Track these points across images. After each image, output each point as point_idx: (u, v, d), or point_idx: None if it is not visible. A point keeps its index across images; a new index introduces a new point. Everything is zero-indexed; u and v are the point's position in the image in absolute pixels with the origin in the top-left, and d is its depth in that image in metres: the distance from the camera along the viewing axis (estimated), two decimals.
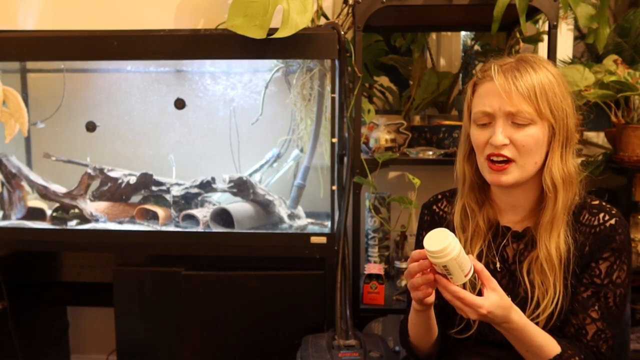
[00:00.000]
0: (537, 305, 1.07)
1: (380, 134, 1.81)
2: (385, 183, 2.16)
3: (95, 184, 1.96)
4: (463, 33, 2.20)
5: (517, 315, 1.01)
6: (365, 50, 2.00)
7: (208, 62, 2.00)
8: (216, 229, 1.83)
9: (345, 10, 1.87)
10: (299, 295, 1.75)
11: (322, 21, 1.88)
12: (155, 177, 1.93)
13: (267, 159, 2.01)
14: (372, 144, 1.81)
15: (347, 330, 1.64)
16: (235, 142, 2.03)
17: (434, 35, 2.18)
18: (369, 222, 1.96)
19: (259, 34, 1.58)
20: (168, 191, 1.92)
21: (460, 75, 2.15)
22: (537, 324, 1.05)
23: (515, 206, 1.15)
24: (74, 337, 2.33)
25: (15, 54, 1.79)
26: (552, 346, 1.04)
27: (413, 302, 1.08)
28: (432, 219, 1.26)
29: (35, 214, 1.95)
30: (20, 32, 2.01)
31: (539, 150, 1.06)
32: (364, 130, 1.81)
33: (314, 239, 1.74)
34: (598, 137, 2.12)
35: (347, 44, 1.71)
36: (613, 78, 1.72)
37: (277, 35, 1.56)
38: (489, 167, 1.08)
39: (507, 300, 0.99)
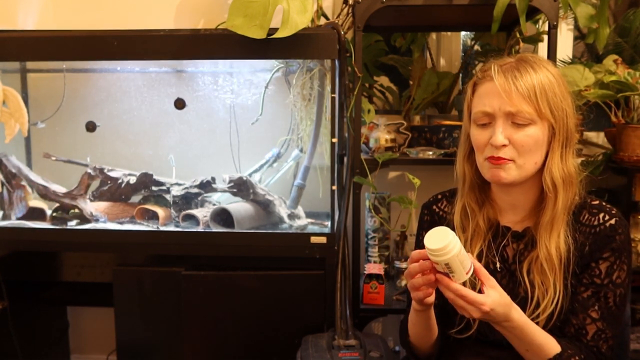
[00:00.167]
0: (537, 305, 1.07)
1: (380, 134, 1.81)
2: (385, 183, 2.16)
3: (95, 184, 1.96)
4: (463, 33, 2.20)
5: (518, 314, 1.01)
6: (365, 50, 2.00)
7: (208, 62, 2.00)
8: (216, 229, 1.83)
9: (345, 10, 1.87)
10: (299, 295, 1.75)
11: (322, 21, 1.88)
12: (155, 177, 1.93)
13: (267, 159, 2.01)
14: (372, 144, 1.81)
15: (347, 330, 1.64)
16: (235, 142, 2.03)
17: (434, 35, 2.18)
18: (369, 222, 1.96)
19: (259, 34, 1.58)
20: (168, 191, 1.92)
21: (460, 75, 2.15)
22: (537, 324, 1.05)
23: (515, 206, 1.15)
24: (74, 337, 2.33)
25: (15, 54, 1.79)
26: (552, 345, 1.04)
27: (413, 302, 1.08)
28: (432, 219, 1.26)
29: (35, 214, 1.95)
30: (20, 32, 2.01)
31: (538, 151, 1.06)
32: (364, 130, 1.81)
33: (314, 239, 1.74)
34: (598, 137, 2.12)
35: (347, 44, 1.71)
36: (613, 78, 1.72)
37: (277, 35, 1.56)
38: (490, 162, 1.07)
39: (507, 298, 1.00)
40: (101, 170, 1.93)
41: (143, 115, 2.06)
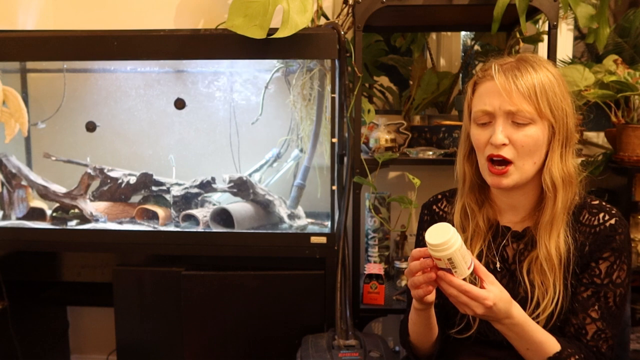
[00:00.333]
0: (537, 305, 1.07)
1: (380, 134, 1.81)
2: (385, 183, 2.16)
3: (95, 184, 1.96)
4: (463, 33, 2.20)
5: (518, 311, 1.02)
6: (365, 50, 2.00)
7: (208, 62, 2.00)
8: (216, 229, 1.83)
9: (345, 10, 1.87)
10: (299, 295, 1.75)
11: (322, 21, 1.88)
12: (155, 177, 1.93)
13: (267, 159, 2.01)
14: (372, 144, 1.81)
15: (347, 330, 1.64)
16: (235, 142, 2.03)
17: (434, 35, 2.18)
18: (369, 222, 1.96)
19: (259, 34, 1.58)
20: (168, 191, 1.92)
21: (460, 75, 2.15)
22: (537, 323, 1.05)
23: (515, 206, 1.15)
24: (74, 337, 2.33)
25: (15, 54, 1.79)
26: (552, 343, 1.04)
27: (413, 301, 1.08)
28: (432, 219, 1.26)
29: (35, 214, 1.95)
30: (20, 32, 2.01)
31: (538, 151, 1.06)
32: (364, 130, 1.81)
33: (314, 239, 1.74)
34: (598, 137, 2.12)
35: (347, 44, 1.71)
36: (613, 78, 1.72)
37: (277, 35, 1.56)
38: (490, 170, 1.08)
39: (508, 294, 1.00)
40: (101, 170, 1.93)
41: (143, 115, 2.06)
